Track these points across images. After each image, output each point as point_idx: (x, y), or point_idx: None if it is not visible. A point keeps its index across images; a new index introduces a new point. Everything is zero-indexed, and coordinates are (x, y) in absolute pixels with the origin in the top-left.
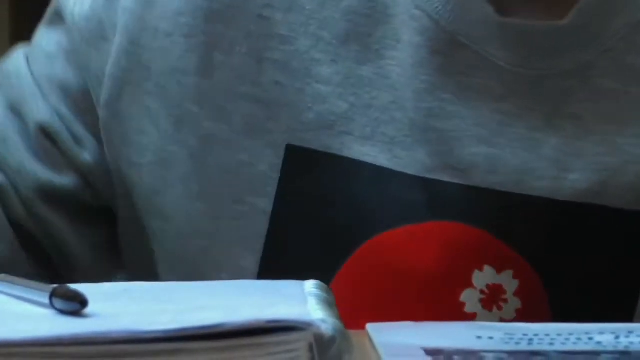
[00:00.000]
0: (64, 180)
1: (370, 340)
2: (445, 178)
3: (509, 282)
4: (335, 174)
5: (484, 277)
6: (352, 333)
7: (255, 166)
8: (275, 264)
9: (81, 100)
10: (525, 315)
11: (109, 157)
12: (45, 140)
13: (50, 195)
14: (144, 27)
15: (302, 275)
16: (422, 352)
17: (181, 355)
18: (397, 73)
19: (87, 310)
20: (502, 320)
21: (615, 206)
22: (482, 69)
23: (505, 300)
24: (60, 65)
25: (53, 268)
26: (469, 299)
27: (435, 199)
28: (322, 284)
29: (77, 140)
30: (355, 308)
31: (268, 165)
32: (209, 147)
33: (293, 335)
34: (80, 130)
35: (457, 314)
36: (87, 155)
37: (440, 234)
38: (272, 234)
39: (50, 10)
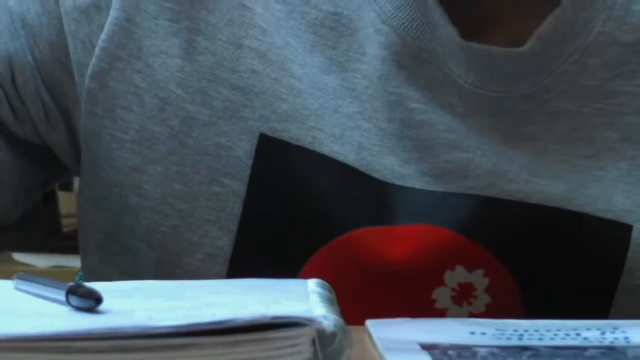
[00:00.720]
0: (16, 126)
1: (370, 335)
2: (417, 185)
3: (479, 280)
4: (306, 167)
5: (455, 276)
6: (352, 328)
7: (232, 149)
8: (249, 245)
9: (48, 56)
10: (494, 309)
11: (87, 127)
12: (8, 76)
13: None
14: (138, 6)
15: (273, 259)
16: (419, 347)
17: (192, 349)
18: (364, 85)
19: (102, 307)
20: (471, 314)
21: (584, 212)
22: (445, 86)
23: (475, 297)
24: (34, 8)
25: None
26: (441, 296)
27: (406, 204)
28: (324, 282)
29: (37, 91)
30: None
31: (243, 150)
32: (189, 129)
33: (297, 331)
34: (39, 83)
35: (428, 309)
36: (45, 124)
37: (412, 236)
38: (245, 215)
39: None
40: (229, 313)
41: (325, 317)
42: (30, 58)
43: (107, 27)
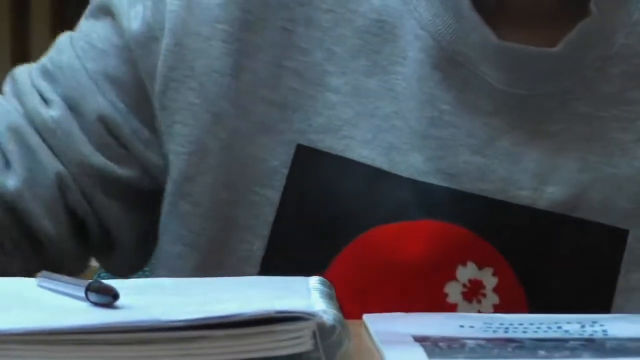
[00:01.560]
0: (123, 171)
1: (366, 328)
2: (436, 181)
3: (488, 279)
4: (337, 172)
5: (466, 272)
6: (350, 322)
7: (268, 161)
8: (279, 250)
9: (135, 95)
10: (502, 311)
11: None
12: (105, 133)
13: (109, 185)
14: (187, 30)
15: (301, 261)
16: (412, 339)
17: (202, 341)
18: (402, 86)
19: (119, 302)
20: (479, 312)
21: (586, 218)
22: (475, 87)
23: (484, 295)
24: (112, 62)
25: (91, 249)
26: (452, 290)
27: (425, 199)
28: (324, 279)
29: (133, 131)
30: (347, 293)
31: (279, 161)
32: (234, 141)
33: (299, 324)
34: (135, 122)
35: (440, 303)
36: (142, 146)
37: (428, 231)
38: (277, 222)
39: (95, 4)
40: (237, 308)
41: (325, 312)
42: (122, 105)
43: (162, 53)
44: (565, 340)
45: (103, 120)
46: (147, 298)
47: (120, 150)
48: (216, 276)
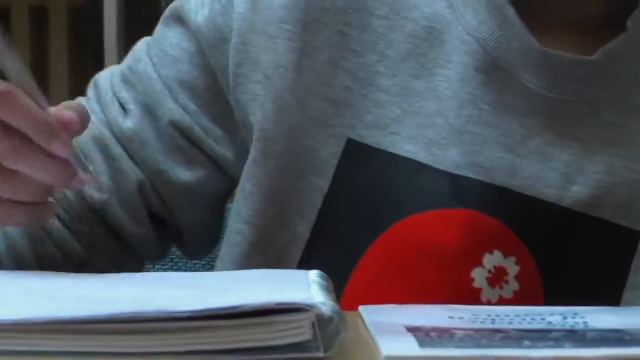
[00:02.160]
0: (198, 173)
1: (362, 319)
2: (471, 174)
3: (511, 267)
4: (382, 165)
5: (492, 259)
6: (348, 313)
7: (320, 152)
8: (323, 234)
9: (206, 96)
10: (521, 297)
11: (241, 132)
12: (178, 135)
13: (185, 190)
14: (253, 29)
15: (342, 245)
16: (405, 329)
17: (207, 331)
18: (445, 87)
19: (128, 294)
20: (501, 297)
21: (606, 218)
22: (514, 90)
23: (507, 282)
24: (185, 67)
25: (170, 239)
26: (478, 275)
27: (459, 190)
28: (322, 273)
29: (206, 131)
30: (382, 275)
31: (330, 152)
32: (293, 131)
33: (299, 315)
34: (205, 122)
35: (466, 287)
36: (214, 143)
37: (460, 220)
38: (324, 208)
39: (168, 13)
40: (239, 299)
41: (323, 304)
42: (193, 107)
43: (230, 52)
44: (549, 331)
45: (174, 124)
46: (154, 290)
47: (193, 151)
48: (269, 254)
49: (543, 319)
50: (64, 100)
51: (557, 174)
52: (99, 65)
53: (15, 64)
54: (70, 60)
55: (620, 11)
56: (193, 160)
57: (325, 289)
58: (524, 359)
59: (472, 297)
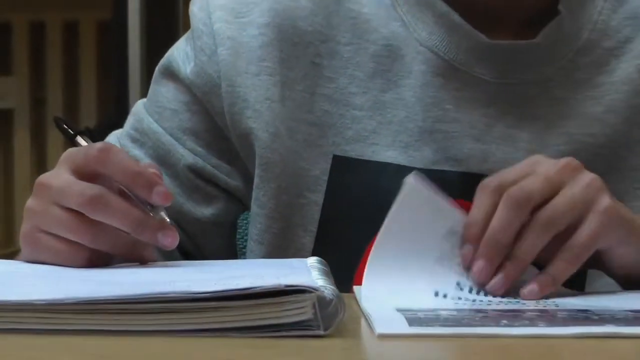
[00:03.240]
0: (217, 207)
1: (357, 301)
2: (447, 167)
3: None
4: (367, 173)
5: None
6: (345, 295)
7: (311, 171)
8: (325, 242)
9: (209, 138)
10: None
11: (248, 163)
12: (194, 177)
13: (207, 224)
14: (237, 72)
15: (343, 250)
16: (395, 310)
17: (221, 310)
18: (410, 95)
19: (150, 277)
20: None
21: None
22: (471, 85)
23: None
24: (185, 116)
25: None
26: None
27: (439, 183)
28: (321, 259)
29: (217, 168)
30: None
31: (320, 170)
32: (287, 155)
33: (302, 297)
34: (214, 160)
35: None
36: (225, 177)
37: None
38: (322, 219)
39: (158, 72)
40: (251, 282)
41: (324, 287)
42: (200, 149)
43: (222, 95)
44: (523, 311)
45: (188, 167)
46: (173, 274)
47: (209, 188)
48: None
49: (518, 301)
50: (94, 108)
51: (523, 152)
52: (124, 74)
53: None
54: (98, 71)
55: (555, 3)
56: (211, 196)
57: (324, 273)
58: (503, 336)
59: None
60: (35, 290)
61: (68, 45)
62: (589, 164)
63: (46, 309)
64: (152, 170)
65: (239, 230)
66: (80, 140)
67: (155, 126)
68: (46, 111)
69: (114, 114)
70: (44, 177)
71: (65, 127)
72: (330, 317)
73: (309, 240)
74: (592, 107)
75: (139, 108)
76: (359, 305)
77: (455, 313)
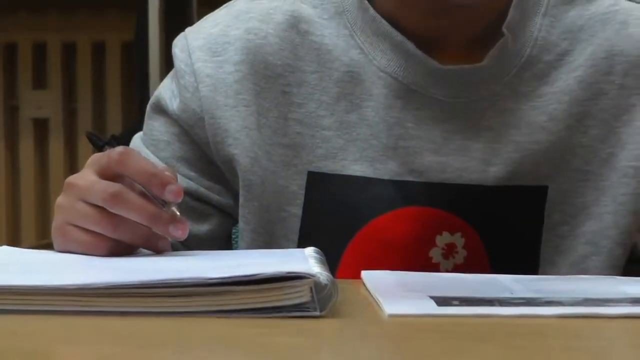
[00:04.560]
0: (212, 223)
1: (365, 285)
2: (410, 179)
3: (458, 240)
4: (339, 186)
5: (443, 239)
6: (352, 281)
7: (289, 187)
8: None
9: (200, 164)
10: (470, 261)
11: (234, 184)
12: (189, 199)
13: (204, 239)
14: (217, 105)
15: (324, 252)
16: (401, 292)
17: (230, 294)
18: (372, 115)
19: (166, 265)
20: (455, 264)
21: (520, 184)
22: (429, 104)
23: (457, 252)
24: (177, 146)
25: None
26: (435, 253)
27: (404, 193)
28: (317, 249)
29: (209, 189)
30: (361, 266)
31: (297, 186)
32: (267, 176)
33: (301, 282)
34: (206, 182)
35: (428, 263)
36: (217, 196)
37: (411, 216)
38: (302, 229)
39: (149, 109)
40: (256, 269)
41: (320, 273)
42: (193, 174)
43: (207, 128)
44: (513, 298)
45: (186, 192)
46: (187, 263)
47: (204, 207)
48: None
49: (506, 287)
50: (119, 118)
51: (477, 161)
52: (145, 88)
53: None
54: (123, 86)
55: (498, 22)
56: (205, 214)
57: (320, 262)
58: (495, 316)
59: (434, 270)
60: (67, 277)
61: (96, 63)
62: (536, 168)
63: (79, 292)
64: (167, 172)
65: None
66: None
67: (152, 156)
68: (77, 120)
69: (137, 123)
70: (72, 178)
71: (95, 139)
72: (326, 300)
73: (291, 248)
74: (537, 116)
75: (137, 142)
76: (366, 289)
77: (444, 296)
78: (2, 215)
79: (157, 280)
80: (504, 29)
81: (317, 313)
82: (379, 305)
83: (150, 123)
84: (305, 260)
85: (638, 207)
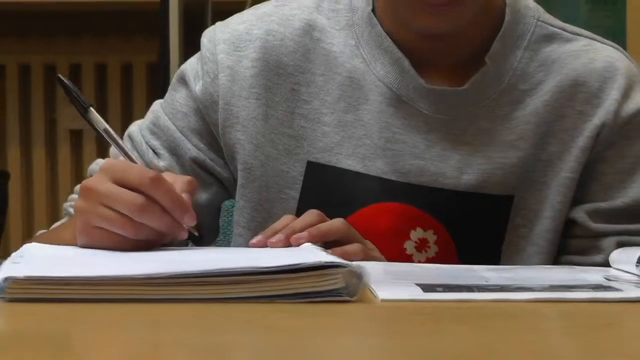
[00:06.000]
0: (211, 192)
1: None
2: (394, 178)
3: (431, 236)
4: (333, 176)
5: (416, 233)
6: None
7: (290, 173)
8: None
9: (209, 138)
10: (441, 255)
11: (230, 165)
12: (197, 167)
13: (204, 205)
14: (232, 94)
15: None
16: (391, 279)
17: (277, 281)
18: (368, 118)
19: (208, 257)
20: (427, 258)
21: (489, 193)
22: (415, 116)
23: (429, 247)
24: (193, 119)
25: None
26: (409, 246)
27: (388, 189)
28: (323, 247)
29: (213, 161)
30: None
31: (297, 172)
32: (268, 161)
33: (336, 270)
34: (213, 155)
35: (402, 254)
36: (220, 169)
37: (391, 210)
38: (298, 211)
39: (175, 80)
40: (298, 260)
41: (348, 264)
42: (203, 146)
43: (219, 111)
44: (470, 287)
45: (194, 159)
46: (224, 256)
47: (207, 176)
48: None
49: (482, 276)
50: None
51: (453, 169)
52: None
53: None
54: (148, 103)
55: (481, 51)
56: (207, 183)
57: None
58: (474, 301)
59: (407, 261)
60: (131, 268)
61: (125, 82)
62: (505, 178)
63: (142, 282)
64: (184, 194)
65: (223, 218)
66: (92, 113)
67: (169, 124)
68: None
69: None
70: (89, 183)
71: (67, 83)
72: (355, 287)
73: None
74: (508, 135)
75: (157, 107)
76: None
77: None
78: (42, 216)
79: (217, 270)
80: (486, 59)
81: (349, 298)
82: (372, 292)
83: (173, 93)
84: (318, 253)
85: (569, 213)
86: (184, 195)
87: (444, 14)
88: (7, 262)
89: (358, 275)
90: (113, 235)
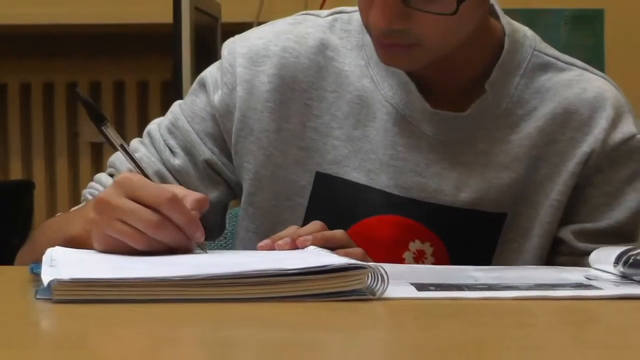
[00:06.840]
0: (219, 192)
1: None
2: (396, 192)
3: (428, 248)
4: (340, 187)
5: (415, 245)
6: None
7: (299, 182)
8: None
9: (222, 143)
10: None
11: (237, 172)
12: (209, 169)
13: (212, 203)
14: (248, 107)
15: None
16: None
17: (304, 282)
18: (374, 134)
19: (234, 260)
20: None
21: (483, 210)
22: (418, 136)
23: (426, 258)
24: (209, 124)
25: None
26: (407, 256)
27: (390, 203)
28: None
29: (224, 164)
30: None
31: (306, 182)
32: (278, 171)
33: (361, 271)
34: (224, 159)
35: (401, 263)
36: (229, 173)
37: (393, 222)
38: (306, 218)
39: (196, 85)
40: (325, 262)
41: (369, 266)
42: (216, 149)
43: (234, 121)
44: (476, 284)
45: (207, 161)
46: (241, 259)
47: (217, 178)
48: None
49: (471, 276)
50: None
51: (450, 187)
52: None
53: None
54: None
55: (482, 78)
56: (217, 183)
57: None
58: (464, 299)
59: None
60: (167, 270)
61: (141, 98)
62: (499, 197)
63: (178, 283)
64: (197, 214)
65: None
66: (108, 129)
67: (187, 125)
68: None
69: None
70: (105, 196)
71: (85, 98)
72: (377, 286)
73: None
74: (504, 157)
75: (176, 109)
76: None
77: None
78: None
79: (248, 271)
80: (486, 87)
81: (371, 296)
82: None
83: (193, 98)
84: (331, 255)
85: (557, 232)
86: (194, 213)
87: (402, 55)
88: (45, 266)
89: (381, 276)
90: (125, 245)
